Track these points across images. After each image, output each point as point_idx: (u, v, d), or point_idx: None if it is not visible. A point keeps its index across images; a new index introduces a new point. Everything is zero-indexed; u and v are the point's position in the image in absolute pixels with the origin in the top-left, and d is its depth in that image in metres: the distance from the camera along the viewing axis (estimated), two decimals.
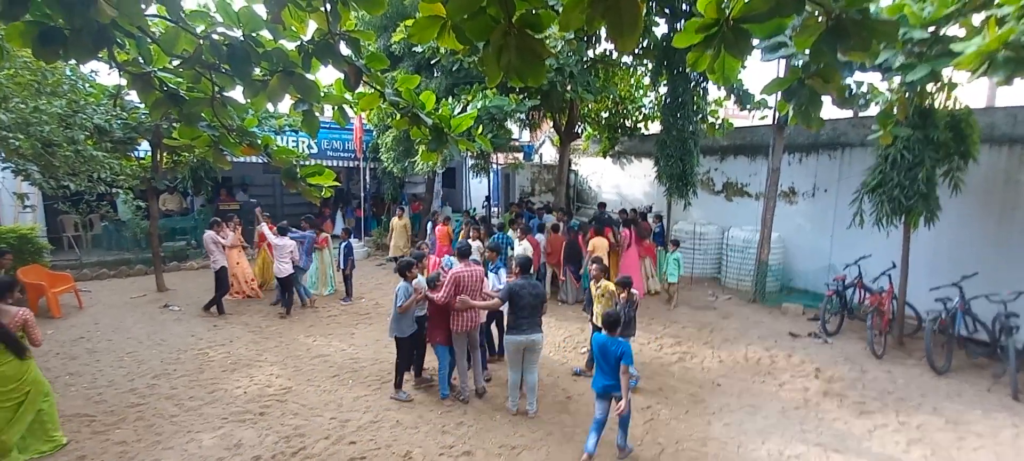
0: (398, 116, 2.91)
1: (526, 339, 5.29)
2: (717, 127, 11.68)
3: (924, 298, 7.37)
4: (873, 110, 8.63)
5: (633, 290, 5.97)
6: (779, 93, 2.40)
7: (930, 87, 6.41)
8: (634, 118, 14.13)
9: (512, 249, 8.93)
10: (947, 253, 7.91)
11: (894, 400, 5.96)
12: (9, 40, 2.29)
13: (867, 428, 5.35)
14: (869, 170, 7.31)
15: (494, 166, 16.21)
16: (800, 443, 5.05)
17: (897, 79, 5.93)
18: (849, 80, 7.75)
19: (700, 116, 10.71)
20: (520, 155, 17.45)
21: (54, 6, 2.14)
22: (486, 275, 6.40)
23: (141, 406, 5.56)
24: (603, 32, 10.59)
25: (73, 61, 2.45)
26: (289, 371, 6.53)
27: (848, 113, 10.09)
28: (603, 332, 4.59)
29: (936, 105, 6.64)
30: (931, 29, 4.98)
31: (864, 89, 8.46)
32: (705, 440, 5.08)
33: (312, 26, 2.45)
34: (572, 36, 9.41)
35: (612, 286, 6.05)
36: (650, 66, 11.46)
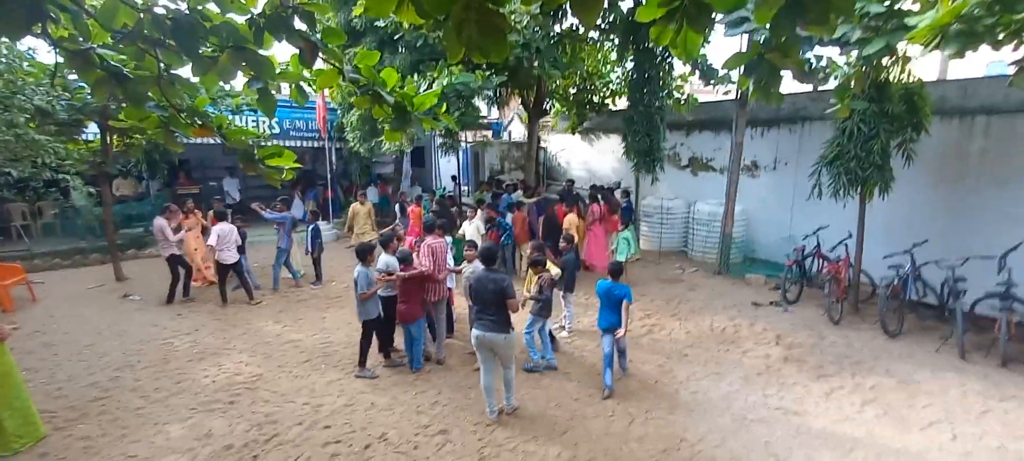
0: (359, 94, 2.82)
1: (485, 336, 4.81)
2: (683, 102, 11.80)
3: (878, 265, 7.71)
4: (832, 84, 8.86)
5: (549, 270, 5.90)
6: (741, 68, 2.42)
7: (886, 60, 6.59)
8: (602, 94, 14.15)
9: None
10: (900, 222, 8.26)
11: (850, 363, 6.25)
12: None
13: (825, 390, 5.61)
14: (827, 143, 7.52)
15: (463, 144, 16.03)
16: (762, 407, 5.27)
17: (855, 53, 6.09)
18: (809, 54, 7.91)
19: (666, 92, 10.80)
20: (489, 133, 17.29)
21: None
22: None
23: (104, 399, 5.39)
24: (568, 5, 10.50)
25: (4, 38, 2.28)
26: (259, 358, 6.41)
27: (808, 87, 10.34)
28: (608, 279, 5.55)
29: (891, 78, 6.85)
30: (887, 3, 5.11)
31: (823, 63, 8.65)
32: (673, 409, 5.24)
33: None
34: (537, 11, 9.29)
35: (555, 268, 6.12)
36: (616, 41, 11.44)
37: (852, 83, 6.43)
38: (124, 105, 2.82)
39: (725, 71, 10.77)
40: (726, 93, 11.60)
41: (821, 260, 8.53)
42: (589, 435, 4.78)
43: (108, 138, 9.40)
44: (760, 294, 8.88)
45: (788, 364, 6.25)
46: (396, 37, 10.60)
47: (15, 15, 2.07)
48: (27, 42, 7.67)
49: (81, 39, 2.42)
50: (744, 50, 8.39)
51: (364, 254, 5.85)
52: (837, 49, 6.51)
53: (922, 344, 6.79)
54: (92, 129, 9.75)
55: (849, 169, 7.07)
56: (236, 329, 7.37)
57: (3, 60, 7.12)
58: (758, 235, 11.05)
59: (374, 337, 6.03)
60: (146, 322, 7.62)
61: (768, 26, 2.08)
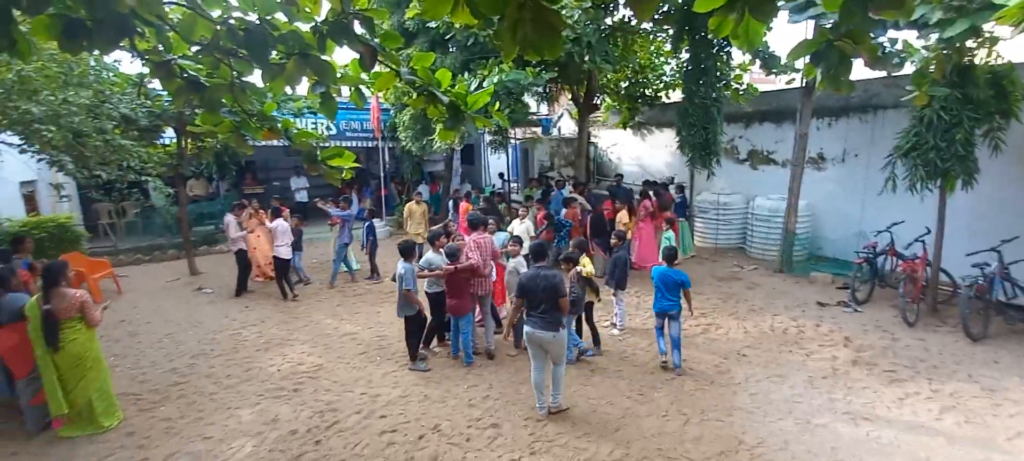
0: (414, 95, 2.89)
1: (535, 333, 4.81)
2: (741, 93, 11.33)
3: (960, 264, 7.13)
4: (908, 69, 8.26)
5: (579, 267, 5.80)
6: (806, 57, 2.30)
7: (970, 43, 6.09)
8: (654, 87, 13.80)
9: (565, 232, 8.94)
10: (985, 217, 7.61)
11: (927, 368, 5.83)
12: (35, 34, 2.34)
13: (898, 396, 5.26)
14: (903, 133, 7.03)
15: (512, 141, 16.09)
16: (828, 412, 5.00)
17: (934, 36, 5.64)
18: (882, 39, 7.38)
19: (723, 82, 10.39)
20: (538, 129, 17.26)
21: None
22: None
23: (182, 384, 5.81)
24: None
25: (97, 52, 2.49)
26: (319, 349, 6.72)
27: (881, 73, 9.68)
28: (664, 265, 5.86)
29: (976, 62, 6.31)
30: None
31: (898, 47, 8.08)
32: (730, 410, 5.07)
33: (325, 6, 2.44)
34: (589, 4, 9.18)
35: (589, 265, 6.06)
36: (671, 32, 11.13)
37: (932, 68, 5.97)
38: (199, 111, 3.02)
39: (789, 60, 10.26)
40: (789, 82, 11.05)
41: (895, 258, 7.98)
42: (642, 434, 4.70)
43: (183, 142, 10.10)
44: (826, 293, 8.42)
45: (857, 367, 5.90)
46: (447, 37, 10.76)
47: (107, 31, 2.27)
48: (113, 54, 8.34)
49: (163, 51, 2.62)
50: (810, 36, 7.95)
51: (407, 251, 6.00)
52: (914, 32, 6.05)
53: (1010, 349, 6.24)
54: (169, 134, 10.49)
55: (927, 160, 6.58)
56: (298, 321, 7.75)
57: (93, 72, 7.78)
58: (824, 231, 10.48)
59: (420, 330, 6.19)
60: (218, 314, 8.15)
61: (837, 11, 1.97)
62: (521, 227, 8.34)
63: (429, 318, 6.39)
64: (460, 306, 6.09)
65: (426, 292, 6.36)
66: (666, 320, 5.85)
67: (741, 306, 7.99)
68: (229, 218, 8.85)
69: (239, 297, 8.93)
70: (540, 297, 4.74)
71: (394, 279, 6.05)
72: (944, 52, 5.98)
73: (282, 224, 8.63)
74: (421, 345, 6.32)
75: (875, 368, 5.87)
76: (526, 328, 4.91)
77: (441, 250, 6.20)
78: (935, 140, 6.50)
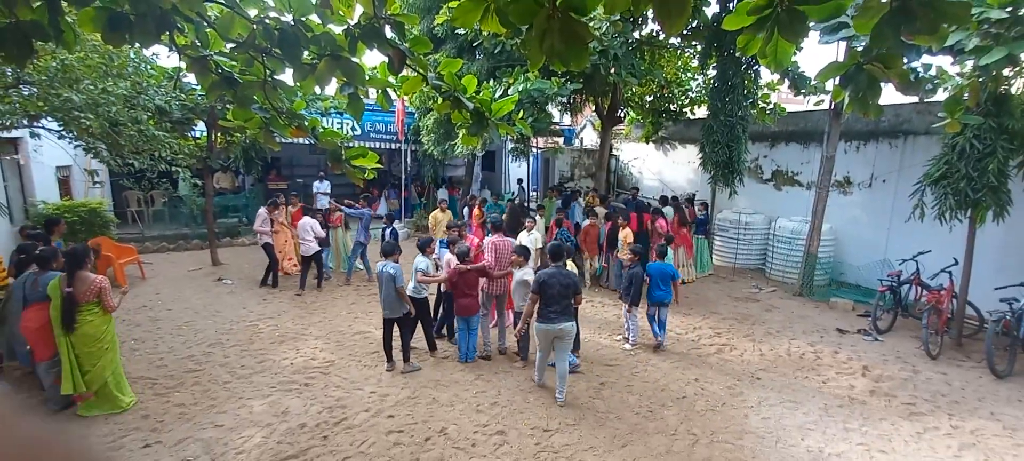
0: (440, 100, 2.93)
1: (555, 328, 5.25)
2: (768, 112, 11.20)
3: (988, 298, 6.93)
4: (941, 96, 8.10)
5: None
6: (836, 78, 2.28)
7: (1007, 71, 5.95)
8: (680, 102, 13.73)
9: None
10: (1016, 251, 7.38)
11: (947, 403, 5.66)
12: (81, 25, 2.44)
13: (916, 430, 5.12)
14: (933, 160, 6.88)
15: (534, 150, 16.12)
16: (842, 441, 4.88)
17: (969, 63, 5.53)
18: (915, 64, 7.26)
19: (750, 101, 10.30)
20: (560, 139, 17.28)
21: None
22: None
23: (198, 372, 5.92)
24: (650, 13, 10.29)
25: (137, 45, 2.58)
26: (332, 345, 6.79)
27: (913, 99, 9.50)
28: (657, 261, 6.89)
29: (1013, 91, 6.16)
30: (1009, 8, 4.60)
31: (932, 73, 7.93)
32: (741, 433, 4.98)
33: (358, 10, 2.50)
34: (617, 17, 9.19)
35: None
36: (699, 48, 11.08)
37: (966, 95, 5.84)
38: (231, 106, 3.11)
39: (818, 81, 10.13)
40: (818, 103, 10.91)
41: (920, 288, 7.78)
42: (649, 451, 4.65)
43: (213, 136, 10.35)
44: (846, 320, 8.24)
45: (875, 398, 5.75)
46: (475, 44, 10.87)
47: (149, 25, 2.36)
48: (152, 48, 8.61)
49: (200, 46, 2.70)
50: (840, 58, 7.83)
51: (390, 252, 6.05)
52: (948, 58, 5.94)
53: None
54: (200, 127, 10.75)
55: (957, 189, 6.43)
56: (313, 317, 7.85)
57: (132, 64, 8.03)
58: (847, 257, 10.26)
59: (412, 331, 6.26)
60: (236, 304, 8.30)
61: (869, 34, 1.95)
62: (528, 238, 8.03)
63: (417, 319, 6.38)
64: (470, 306, 6.17)
65: (412, 296, 6.34)
66: (658, 309, 6.81)
67: (757, 328, 7.86)
68: (262, 212, 9.09)
69: (258, 289, 9.10)
70: (560, 294, 5.17)
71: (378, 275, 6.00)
72: (979, 80, 5.84)
73: (309, 221, 8.83)
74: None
75: (893, 400, 5.72)
76: (541, 325, 5.26)
77: (431, 256, 6.38)
78: (967, 169, 6.36)
